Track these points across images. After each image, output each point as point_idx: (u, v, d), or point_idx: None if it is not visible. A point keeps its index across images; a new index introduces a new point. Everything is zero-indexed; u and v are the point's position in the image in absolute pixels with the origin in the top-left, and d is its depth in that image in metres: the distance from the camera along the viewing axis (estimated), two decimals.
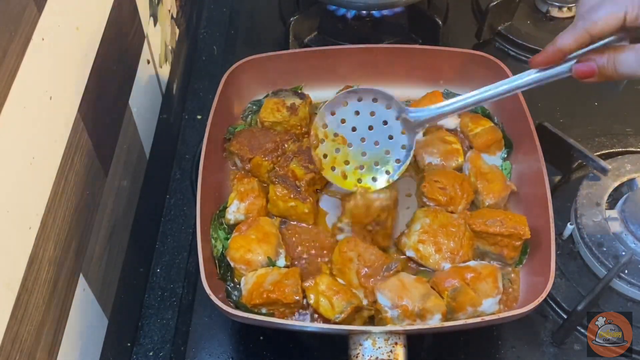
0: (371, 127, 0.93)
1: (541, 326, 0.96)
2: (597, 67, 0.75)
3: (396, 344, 0.81)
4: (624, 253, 0.96)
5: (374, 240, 0.95)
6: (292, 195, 0.98)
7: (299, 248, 0.99)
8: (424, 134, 1.09)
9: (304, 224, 1.01)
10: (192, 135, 1.25)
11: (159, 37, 1.17)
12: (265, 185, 1.03)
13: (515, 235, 0.92)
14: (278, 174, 0.99)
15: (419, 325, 0.86)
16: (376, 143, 0.93)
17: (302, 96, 1.11)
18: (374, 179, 0.95)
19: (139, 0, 1.04)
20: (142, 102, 1.06)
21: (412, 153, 0.93)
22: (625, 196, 1.03)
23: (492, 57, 1.11)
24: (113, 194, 0.94)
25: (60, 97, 0.75)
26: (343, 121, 0.92)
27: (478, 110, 1.13)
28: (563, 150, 1.06)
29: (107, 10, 0.91)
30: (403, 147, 0.93)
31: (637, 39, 0.74)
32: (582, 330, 0.95)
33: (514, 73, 1.06)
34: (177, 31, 1.31)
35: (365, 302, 0.90)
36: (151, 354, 0.98)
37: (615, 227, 1.00)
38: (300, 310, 0.91)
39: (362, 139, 0.93)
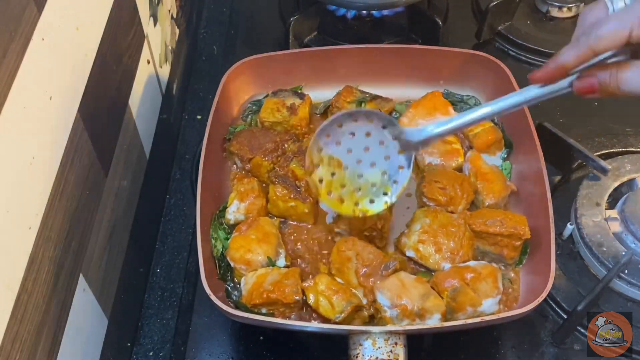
0: (367, 148, 0.88)
1: (541, 326, 0.96)
2: (598, 84, 0.72)
3: (396, 344, 0.81)
4: (624, 253, 0.96)
5: (370, 242, 0.96)
6: (292, 195, 0.98)
7: (299, 248, 0.99)
8: None
9: (304, 224, 1.01)
10: (192, 135, 1.25)
11: (159, 37, 1.17)
12: (265, 185, 1.03)
13: (515, 235, 0.92)
14: (278, 174, 0.99)
15: (418, 325, 0.86)
16: (372, 164, 0.89)
17: (302, 96, 1.11)
18: (372, 201, 0.91)
19: (139, 0, 1.04)
20: (142, 102, 1.06)
21: (409, 173, 0.90)
22: (625, 196, 1.03)
23: (492, 57, 1.11)
24: (113, 194, 0.94)
25: (60, 97, 0.75)
26: (338, 143, 0.88)
27: None
28: (563, 150, 1.06)
29: (107, 10, 0.91)
30: (400, 167, 0.90)
31: (638, 54, 0.71)
32: (582, 330, 0.95)
33: (514, 73, 1.08)
34: (177, 31, 1.31)
35: (364, 301, 0.90)
36: (151, 354, 0.98)
37: (615, 227, 1.00)
38: (301, 311, 0.91)
39: (358, 161, 0.89)
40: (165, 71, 1.22)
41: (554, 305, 0.97)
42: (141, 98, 1.06)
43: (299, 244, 1.00)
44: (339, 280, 0.92)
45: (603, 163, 1.04)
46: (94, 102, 0.85)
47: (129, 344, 0.99)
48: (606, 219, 1.00)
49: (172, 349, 0.98)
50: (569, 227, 1.01)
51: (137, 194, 1.05)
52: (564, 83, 0.75)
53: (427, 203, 1.00)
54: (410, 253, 0.95)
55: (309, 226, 1.01)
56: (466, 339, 0.95)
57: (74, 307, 0.79)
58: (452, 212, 0.98)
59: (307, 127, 1.11)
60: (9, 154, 0.63)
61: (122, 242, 0.98)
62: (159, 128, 1.16)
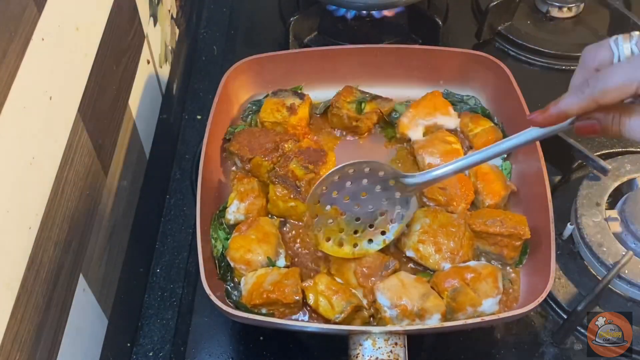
0: (365, 193, 0.89)
1: (541, 326, 0.96)
2: (600, 127, 0.69)
3: (396, 344, 0.81)
4: (624, 253, 0.96)
5: None
6: (292, 195, 0.98)
7: (299, 248, 0.99)
8: (424, 134, 1.09)
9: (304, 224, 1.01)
10: (192, 135, 1.25)
11: (159, 37, 1.17)
12: (266, 185, 1.03)
13: (515, 235, 0.92)
14: (278, 174, 0.99)
15: (419, 326, 0.86)
16: (370, 207, 0.90)
17: (302, 96, 1.11)
18: (370, 241, 0.92)
19: (139, 0, 1.04)
20: (142, 102, 1.06)
21: (409, 214, 0.91)
22: (625, 196, 1.03)
23: (492, 57, 1.11)
24: (113, 194, 0.94)
25: (60, 97, 0.75)
26: (336, 193, 0.87)
27: (478, 111, 1.13)
28: (563, 150, 1.06)
29: (107, 10, 0.91)
30: (398, 208, 0.91)
31: None
32: (582, 330, 0.95)
33: (514, 73, 1.08)
34: (177, 31, 1.31)
35: (364, 301, 0.90)
36: (151, 354, 0.98)
37: (615, 227, 1.00)
38: (301, 311, 0.91)
39: (357, 205, 0.89)
40: (165, 71, 1.22)
41: (554, 305, 0.98)
42: (141, 98, 1.06)
43: (299, 244, 1.00)
44: (338, 280, 0.92)
45: (603, 163, 1.03)
46: (94, 102, 0.85)
47: (129, 344, 0.99)
48: (606, 219, 1.00)
49: (172, 349, 0.98)
50: (569, 227, 1.01)
51: (137, 194, 1.05)
52: (564, 123, 0.73)
53: (427, 203, 1.00)
54: (410, 253, 0.95)
55: (307, 234, 1.01)
56: (466, 339, 0.95)
57: (74, 307, 0.78)
58: (452, 212, 0.98)
59: (307, 127, 1.11)
60: (9, 154, 0.63)
61: (122, 242, 0.98)
62: (159, 128, 1.16)
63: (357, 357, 0.81)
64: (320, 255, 0.98)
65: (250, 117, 1.14)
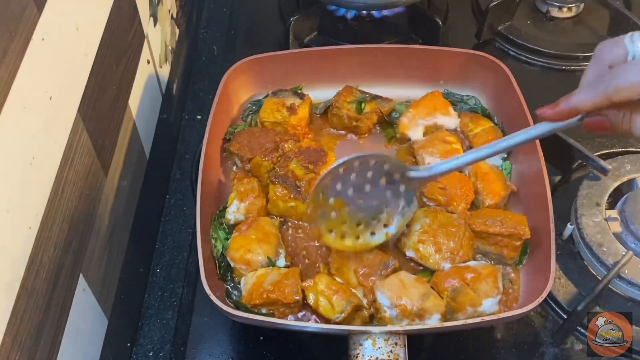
0: (369, 185, 0.88)
1: (541, 326, 0.96)
2: (610, 124, 0.69)
3: (396, 344, 0.81)
4: (624, 253, 0.96)
5: None
6: (292, 195, 0.98)
7: (299, 248, 0.99)
8: (424, 134, 1.09)
9: (304, 224, 1.01)
10: (192, 135, 1.25)
11: (159, 37, 1.17)
12: (266, 185, 1.03)
13: (515, 235, 0.92)
14: (278, 174, 0.99)
15: (418, 325, 0.86)
16: (374, 199, 0.89)
17: (302, 96, 1.11)
18: (372, 234, 0.91)
19: (139, 0, 1.04)
20: (142, 102, 1.06)
21: (412, 208, 0.90)
22: (625, 196, 1.03)
23: (492, 57, 1.11)
24: (113, 194, 0.94)
25: (60, 97, 0.75)
26: (340, 186, 0.87)
27: (478, 111, 1.13)
28: (563, 150, 1.06)
29: (107, 10, 0.91)
30: (402, 202, 0.90)
31: None
32: (582, 330, 0.95)
33: (514, 73, 1.08)
34: (177, 31, 1.31)
35: (364, 301, 0.90)
36: (151, 354, 0.98)
37: (615, 227, 1.00)
38: (301, 311, 0.91)
39: (360, 198, 0.88)
40: (165, 71, 1.22)
41: (554, 305, 0.98)
42: (141, 98, 1.06)
43: (299, 244, 1.00)
44: (338, 280, 0.92)
45: (603, 163, 1.03)
46: (94, 102, 0.85)
47: (129, 344, 0.99)
48: (606, 219, 1.00)
49: (172, 349, 0.98)
50: (569, 227, 1.01)
51: (137, 194, 1.05)
52: (573, 119, 0.72)
53: (427, 203, 1.00)
54: (410, 253, 0.95)
55: (309, 226, 1.01)
56: (466, 339, 0.95)
57: (74, 307, 0.78)
58: (452, 212, 0.98)
59: (307, 127, 1.11)
60: (9, 154, 0.63)
61: (122, 242, 0.98)
62: (159, 128, 1.16)
63: (357, 357, 0.81)
64: (320, 253, 0.98)
65: (250, 117, 1.14)
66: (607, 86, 0.65)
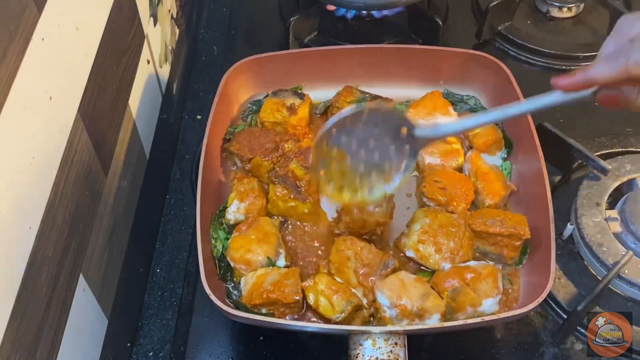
0: (373, 139, 0.86)
1: (541, 326, 0.96)
2: (623, 99, 0.68)
3: (396, 344, 0.81)
4: (624, 253, 0.96)
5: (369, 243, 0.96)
6: (292, 195, 0.98)
7: (299, 248, 0.99)
8: None
9: (304, 224, 1.01)
10: (192, 135, 1.25)
11: (159, 37, 1.17)
12: (266, 185, 1.03)
13: (515, 235, 0.92)
14: (278, 174, 0.99)
15: (419, 326, 0.86)
16: (376, 155, 0.87)
17: (302, 96, 1.11)
18: (370, 190, 0.89)
19: (139, 0, 1.04)
20: (142, 102, 1.06)
21: (412, 166, 0.88)
22: (625, 196, 1.03)
23: (492, 57, 1.11)
24: (113, 194, 0.94)
25: (60, 97, 0.75)
26: (345, 136, 0.85)
27: (478, 110, 1.13)
28: (563, 150, 1.06)
29: (107, 10, 0.91)
30: (404, 160, 0.87)
31: None
32: (582, 330, 0.95)
33: (514, 73, 1.08)
34: (177, 31, 1.31)
35: (364, 300, 0.90)
36: (151, 354, 0.98)
37: (615, 227, 1.00)
38: (301, 311, 0.91)
39: (363, 151, 0.86)
40: (165, 71, 1.22)
41: (554, 305, 0.98)
42: (141, 98, 1.06)
43: (299, 244, 1.00)
44: (338, 280, 0.92)
45: (603, 163, 1.04)
46: (94, 102, 0.85)
47: (129, 344, 0.99)
48: (606, 219, 1.00)
49: (172, 349, 0.98)
50: (569, 227, 1.01)
51: (137, 194, 1.05)
52: (587, 91, 0.72)
53: (427, 203, 1.00)
54: (410, 253, 0.95)
55: (309, 226, 1.01)
56: (466, 339, 0.95)
57: (74, 307, 0.78)
58: (452, 212, 0.98)
59: (307, 127, 1.11)
60: (9, 154, 0.63)
61: (122, 242, 0.98)
62: (159, 128, 1.16)
63: (357, 357, 0.81)
64: (320, 253, 0.98)
65: (250, 117, 1.14)
66: (628, 59, 0.65)
